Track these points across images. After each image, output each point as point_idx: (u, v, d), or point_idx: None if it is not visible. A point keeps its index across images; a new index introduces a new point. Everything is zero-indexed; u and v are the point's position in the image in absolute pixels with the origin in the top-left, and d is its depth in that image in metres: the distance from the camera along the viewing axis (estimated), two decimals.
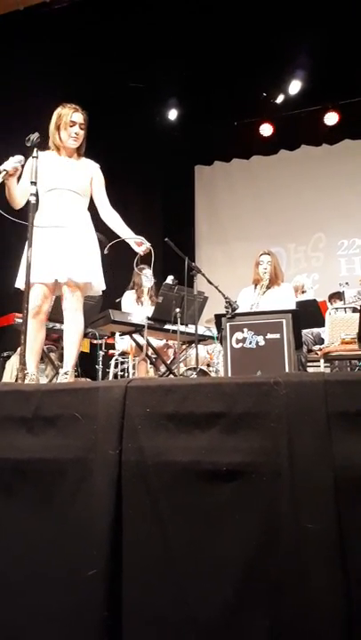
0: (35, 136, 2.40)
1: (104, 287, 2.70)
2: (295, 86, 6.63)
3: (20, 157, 2.45)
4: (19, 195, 2.51)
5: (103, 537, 1.20)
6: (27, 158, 2.46)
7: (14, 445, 1.38)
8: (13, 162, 2.45)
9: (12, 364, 4.52)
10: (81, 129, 2.64)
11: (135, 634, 1.18)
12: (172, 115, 7.16)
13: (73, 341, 2.56)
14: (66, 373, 2.55)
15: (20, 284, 2.50)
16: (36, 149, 2.38)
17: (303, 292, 4.83)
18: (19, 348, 2.39)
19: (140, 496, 1.22)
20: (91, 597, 1.17)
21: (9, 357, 4.64)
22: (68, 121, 2.61)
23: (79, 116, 2.64)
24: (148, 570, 1.19)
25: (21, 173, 2.50)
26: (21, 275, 2.47)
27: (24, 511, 1.33)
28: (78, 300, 2.56)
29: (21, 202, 2.51)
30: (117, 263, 2.89)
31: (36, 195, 2.34)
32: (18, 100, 4.84)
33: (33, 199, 2.33)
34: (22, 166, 2.46)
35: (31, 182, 2.34)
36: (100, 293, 2.78)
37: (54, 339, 4.37)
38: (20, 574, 1.29)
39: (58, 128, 2.64)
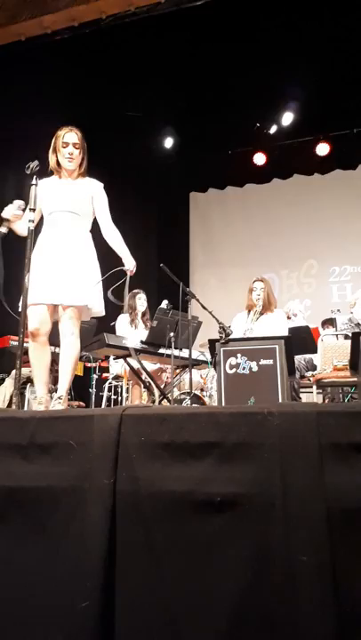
0: (34, 164, 2.44)
1: (103, 313, 2.69)
2: (288, 118, 6.83)
3: (19, 202, 2.48)
4: (23, 228, 2.51)
5: (96, 568, 1.20)
6: (27, 186, 2.50)
7: (9, 472, 1.38)
8: (13, 209, 2.48)
9: (6, 387, 4.50)
10: (75, 148, 2.61)
11: None
12: (168, 143, 7.32)
13: (67, 366, 2.55)
14: (60, 398, 2.53)
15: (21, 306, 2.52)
16: (35, 177, 2.42)
17: (294, 315, 4.87)
18: (13, 372, 2.39)
19: (133, 526, 1.22)
20: (83, 630, 1.15)
21: (3, 380, 4.61)
22: (61, 142, 2.61)
23: (72, 136, 2.63)
24: (141, 601, 1.18)
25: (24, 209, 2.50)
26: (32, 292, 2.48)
27: (16, 540, 1.32)
28: (74, 323, 2.53)
29: (25, 232, 2.53)
30: (111, 286, 2.90)
31: (34, 221, 2.37)
32: (18, 128, 4.94)
33: (31, 225, 2.36)
34: (23, 210, 2.47)
35: (29, 209, 2.38)
36: (99, 314, 2.77)
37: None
38: (11, 604, 1.27)
39: (54, 151, 2.65)
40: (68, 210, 2.59)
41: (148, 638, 1.15)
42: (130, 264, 2.76)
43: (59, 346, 2.65)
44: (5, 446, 1.40)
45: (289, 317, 4.78)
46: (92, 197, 2.67)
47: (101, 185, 2.73)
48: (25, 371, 4.43)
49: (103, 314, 2.71)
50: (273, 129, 7.04)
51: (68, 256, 2.53)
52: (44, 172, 2.65)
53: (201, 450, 1.22)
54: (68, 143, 2.62)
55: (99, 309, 2.65)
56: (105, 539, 1.21)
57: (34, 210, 2.39)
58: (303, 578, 1.02)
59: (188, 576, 1.17)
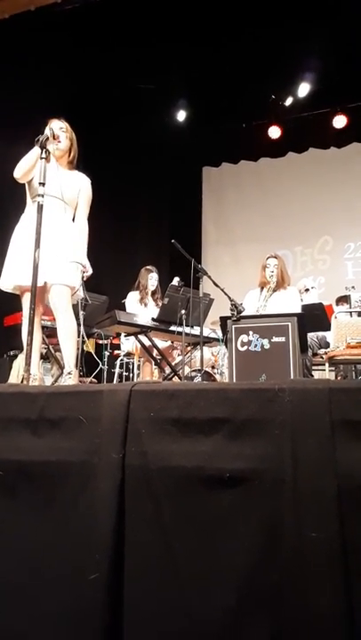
0: (44, 137, 2.41)
1: (81, 295, 2.79)
2: (304, 89, 6.62)
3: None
4: (33, 166, 2.53)
5: (105, 541, 1.21)
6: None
7: (19, 447, 1.39)
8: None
9: (19, 363, 4.54)
10: (62, 131, 2.67)
11: (137, 639, 1.18)
12: (181, 116, 7.17)
13: (66, 342, 2.58)
14: (69, 373, 2.55)
15: (2, 283, 2.59)
16: (44, 150, 2.39)
17: (306, 291, 4.78)
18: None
19: (142, 500, 1.23)
20: (92, 601, 1.17)
21: (16, 356, 4.66)
22: (48, 128, 2.61)
23: (58, 122, 2.69)
24: (149, 575, 1.19)
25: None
26: (5, 274, 2.57)
27: (27, 513, 1.34)
28: (65, 300, 2.56)
29: (27, 176, 2.56)
30: (122, 264, 2.89)
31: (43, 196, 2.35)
32: (27, 101, 4.86)
33: (41, 200, 2.34)
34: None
35: (40, 183, 2.34)
36: (81, 297, 2.83)
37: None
38: (22, 577, 1.29)
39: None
40: (57, 196, 2.62)
41: (157, 611, 1.16)
42: (86, 270, 2.77)
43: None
44: (15, 421, 1.41)
45: (306, 290, 4.71)
46: (79, 190, 2.73)
47: (89, 181, 2.79)
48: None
49: (79, 298, 2.81)
50: (288, 101, 6.84)
51: (53, 237, 2.55)
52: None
53: (210, 426, 1.20)
54: (53, 128, 2.61)
55: (78, 293, 2.70)
56: (114, 512, 1.22)
57: (44, 184, 2.36)
58: (313, 554, 1.01)
59: (198, 551, 1.17)
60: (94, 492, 1.26)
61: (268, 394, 1.19)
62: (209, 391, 1.25)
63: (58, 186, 2.63)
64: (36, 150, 2.47)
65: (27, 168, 2.56)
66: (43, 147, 2.37)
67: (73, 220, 2.75)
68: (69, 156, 2.74)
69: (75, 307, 2.75)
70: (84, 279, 2.76)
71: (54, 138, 2.51)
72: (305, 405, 1.14)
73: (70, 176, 2.74)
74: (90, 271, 2.76)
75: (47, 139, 2.39)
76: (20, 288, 2.58)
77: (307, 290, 4.82)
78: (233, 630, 1.08)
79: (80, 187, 2.74)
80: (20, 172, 2.57)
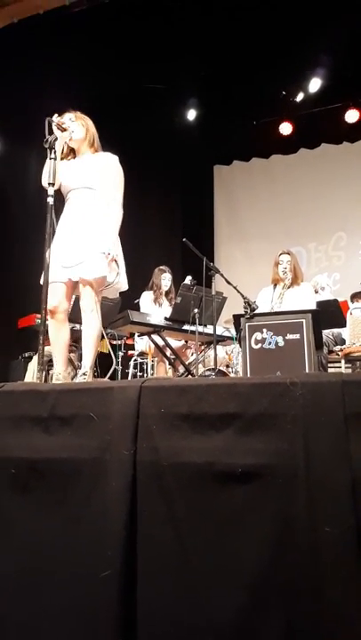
0: (52, 137, 2.41)
1: (126, 287, 2.65)
2: (315, 84, 6.55)
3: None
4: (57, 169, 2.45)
5: (118, 538, 1.20)
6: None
7: (30, 445, 1.39)
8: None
9: (34, 364, 4.57)
10: (71, 120, 2.60)
11: (150, 636, 1.17)
12: (191, 115, 7.15)
13: (88, 343, 2.55)
14: (84, 374, 2.55)
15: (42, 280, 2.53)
16: (53, 150, 2.39)
17: (322, 289, 4.75)
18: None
19: (154, 497, 1.22)
20: (105, 598, 1.16)
21: (30, 358, 4.69)
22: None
23: (67, 115, 2.63)
24: (162, 571, 1.18)
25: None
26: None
27: (39, 511, 1.34)
28: (92, 299, 2.49)
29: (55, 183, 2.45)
30: (134, 264, 2.87)
31: (54, 196, 2.35)
32: (36, 101, 4.90)
33: (51, 200, 2.34)
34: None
35: (49, 184, 2.35)
36: (122, 289, 2.71)
37: (74, 339, 4.40)
38: (34, 574, 1.29)
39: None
40: (84, 186, 2.56)
41: (169, 608, 1.15)
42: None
43: (81, 323, 2.66)
44: (27, 418, 1.41)
45: (316, 291, 4.67)
46: (103, 170, 2.62)
47: (116, 159, 2.68)
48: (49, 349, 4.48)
49: (126, 287, 2.68)
50: (300, 96, 6.77)
51: (83, 231, 2.50)
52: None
53: (221, 421, 1.19)
54: (64, 121, 2.58)
55: (120, 284, 2.61)
56: (126, 509, 1.21)
57: (53, 184, 2.37)
58: (328, 549, 0.99)
59: (210, 547, 1.16)
60: (106, 488, 1.25)
61: (279, 388, 1.17)
62: (219, 386, 1.24)
63: (83, 175, 2.56)
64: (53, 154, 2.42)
65: (48, 175, 2.46)
66: (51, 147, 2.38)
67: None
68: (89, 142, 2.65)
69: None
70: (110, 265, 2.54)
71: (61, 129, 2.42)
72: (318, 399, 1.12)
73: (94, 159, 2.64)
74: (113, 254, 2.52)
75: (56, 139, 2.39)
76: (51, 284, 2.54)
77: (322, 289, 4.77)
78: (247, 626, 1.06)
79: (103, 166, 2.61)
80: (44, 182, 2.49)
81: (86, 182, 2.57)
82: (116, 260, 2.57)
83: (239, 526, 1.13)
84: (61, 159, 2.60)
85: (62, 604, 1.23)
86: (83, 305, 2.53)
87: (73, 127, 2.59)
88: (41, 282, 2.39)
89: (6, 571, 1.34)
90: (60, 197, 2.62)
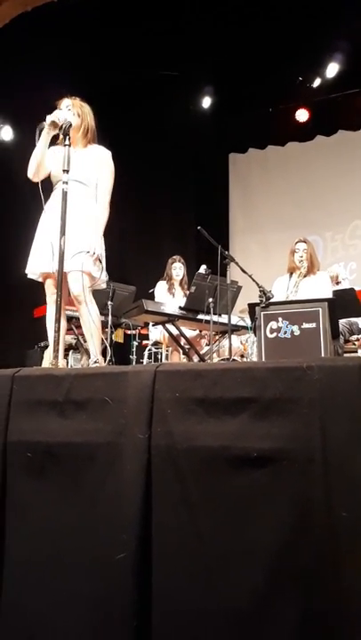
0: (67, 123, 2.39)
1: (104, 285, 2.65)
2: (332, 69, 6.40)
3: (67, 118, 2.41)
4: (42, 160, 2.44)
5: (132, 521, 1.20)
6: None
7: (46, 429, 1.40)
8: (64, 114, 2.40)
9: (49, 354, 4.61)
10: (67, 108, 2.53)
11: (164, 619, 1.17)
12: (206, 103, 7.06)
13: (89, 332, 2.54)
14: (96, 362, 2.56)
15: (28, 269, 2.54)
16: (68, 137, 2.37)
17: (338, 283, 4.69)
18: None
19: (169, 480, 1.21)
20: (119, 581, 1.17)
21: (46, 347, 4.72)
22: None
23: (65, 101, 2.57)
24: (177, 555, 1.18)
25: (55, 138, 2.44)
26: (30, 261, 2.52)
27: (55, 494, 1.35)
28: (79, 288, 2.45)
29: (40, 173, 2.46)
30: (148, 254, 2.85)
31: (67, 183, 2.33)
32: (46, 90, 4.89)
33: (65, 187, 2.33)
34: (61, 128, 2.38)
35: (63, 170, 2.34)
36: (106, 280, 2.66)
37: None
38: (50, 557, 1.31)
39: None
40: (74, 179, 2.47)
41: (184, 591, 1.15)
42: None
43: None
44: (42, 403, 1.42)
45: (339, 282, 4.61)
46: (95, 165, 2.57)
47: (109, 154, 2.63)
48: (67, 338, 4.51)
49: (104, 286, 2.68)
50: (316, 82, 6.64)
51: (71, 223, 2.41)
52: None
53: (236, 405, 1.18)
54: (61, 109, 2.54)
55: (101, 279, 2.56)
56: (141, 492, 1.21)
57: (67, 171, 2.35)
58: (344, 533, 0.98)
59: (226, 531, 1.16)
60: (121, 472, 1.25)
61: (295, 372, 1.15)
62: (235, 371, 1.22)
63: (75, 168, 2.48)
64: (40, 142, 2.39)
65: (35, 165, 2.48)
66: (66, 134, 2.35)
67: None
68: (83, 132, 2.58)
69: (100, 296, 2.64)
70: (95, 263, 2.51)
71: (56, 127, 2.37)
72: (334, 383, 1.10)
73: (86, 153, 2.58)
74: (97, 253, 2.50)
75: (70, 125, 2.36)
76: (42, 275, 2.56)
77: (338, 282, 4.71)
78: (263, 610, 1.06)
79: (97, 162, 2.57)
80: (30, 172, 2.49)
81: (78, 176, 2.49)
82: (99, 259, 2.54)
83: (255, 510, 1.13)
84: (56, 144, 2.57)
85: (76, 587, 1.25)
86: (74, 294, 2.48)
87: (68, 117, 2.49)
88: (52, 270, 2.40)
89: (23, 556, 1.36)
90: (48, 186, 2.61)
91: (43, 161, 2.49)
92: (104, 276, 2.60)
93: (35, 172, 2.51)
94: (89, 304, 2.52)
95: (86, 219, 2.52)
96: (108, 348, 3.16)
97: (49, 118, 2.40)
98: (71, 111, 2.56)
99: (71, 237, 2.43)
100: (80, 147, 2.60)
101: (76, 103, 2.60)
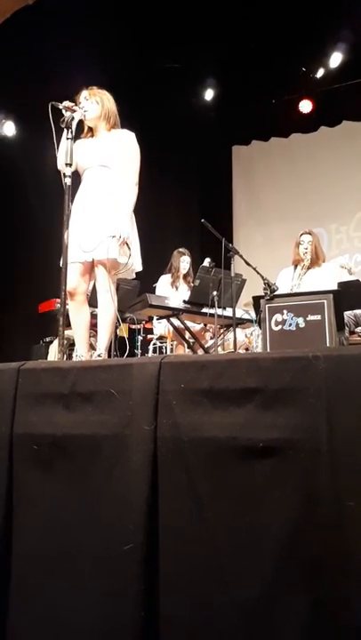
0: (69, 116, 2.38)
1: (140, 267, 2.62)
2: (336, 59, 6.34)
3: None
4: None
5: (139, 512, 1.21)
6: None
7: (52, 421, 1.40)
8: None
9: (55, 348, 4.62)
10: (86, 99, 2.55)
11: (172, 610, 1.18)
12: (208, 95, 7.01)
13: (103, 324, 2.54)
14: (99, 355, 2.56)
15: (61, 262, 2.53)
16: (70, 130, 2.37)
17: (353, 273, 4.66)
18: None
19: (175, 472, 1.22)
20: (127, 572, 1.17)
21: (51, 342, 4.74)
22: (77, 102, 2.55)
23: (83, 93, 2.58)
24: (184, 546, 1.18)
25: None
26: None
27: (62, 486, 1.35)
28: (105, 280, 2.46)
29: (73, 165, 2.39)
30: (151, 247, 2.84)
31: (71, 176, 2.33)
32: (55, 84, 4.88)
33: (68, 181, 2.33)
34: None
35: (66, 164, 2.33)
36: (137, 269, 2.63)
37: (93, 323, 4.41)
38: (56, 549, 1.31)
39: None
40: (99, 164, 2.52)
41: (191, 582, 1.15)
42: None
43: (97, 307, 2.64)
44: (48, 395, 1.42)
45: (352, 273, 4.57)
46: (117, 147, 2.56)
47: (131, 135, 2.62)
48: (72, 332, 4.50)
49: (140, 268, 2.65)
50: (320, 73, 6.57)
51: (96, 211, 2.46)
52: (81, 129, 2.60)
53: (242, 396, 1.18)
54: (79, 102, 2.55)
55: (134, 265, 2.56)
56: (147, 484, 1.21)
57: (70, 165, 2.35)
58: (351, 523, 0.98)
59: (233, 522, 1.16)
60: (127, 464, 1.25)
61: (301, 362, 1.15)
62: (240, 361, 1.22)
63: (98, 153, 2.52)
64: (64, 137, 2.38)
65: (68, 157, 2.42)
66: (68, 127, 2.35)
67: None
68: (105, 117, 2.58)
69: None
70: (121, 247, 2.46)
71: (71, 110, 2.34)
72: (341, 373, 1.10)
73: (110, 137, 2.58)
74: (123, 236, 2.45)
75: (72, 118, 2.36)
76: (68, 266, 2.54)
77: (353, 273, 4.68)
78: (271, 601, 1.06)
79: (120, 144, 2.55)
80: (60, 164, 2.46)
81: (101, 160, 2.53)
82: (127, 243, 2.51)
83: (261, 501, 1.13)
84: (81, 138, 2.58)
85: (83, 579, 1.25)
86: (97, 286, 2.52)
87: (87, 106, 2.53)
88: (60, 264, 2.39)
89: (31, 549, 1.36)
90: (77, 178, 2.61)
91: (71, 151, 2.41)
92: (131, 263, 2.52)
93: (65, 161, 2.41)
94: (109, 293, 2.45)
95: (113, 202, 2.50)
96: (113, 343, 3.15)
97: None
98: (89, 100, 2.56)
99: (98, 223, 2.43)
100: (104, 132, 2.61)
101: (93, 92, 2.61)
